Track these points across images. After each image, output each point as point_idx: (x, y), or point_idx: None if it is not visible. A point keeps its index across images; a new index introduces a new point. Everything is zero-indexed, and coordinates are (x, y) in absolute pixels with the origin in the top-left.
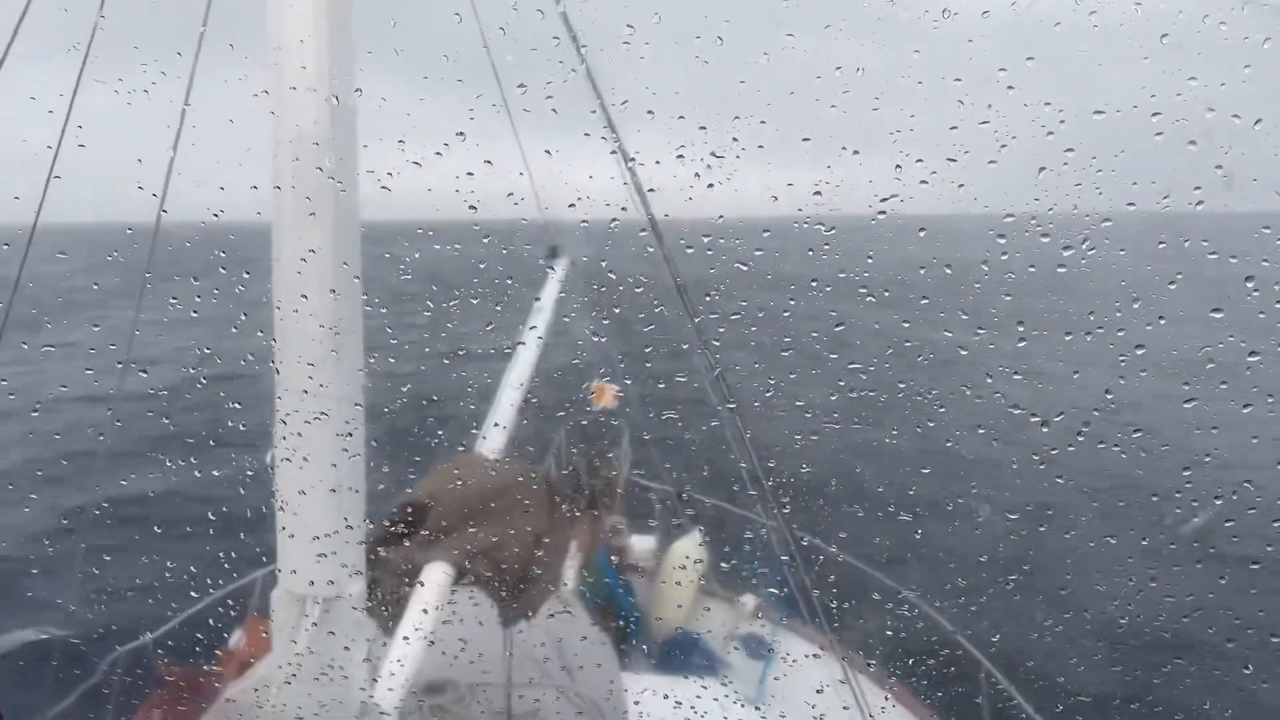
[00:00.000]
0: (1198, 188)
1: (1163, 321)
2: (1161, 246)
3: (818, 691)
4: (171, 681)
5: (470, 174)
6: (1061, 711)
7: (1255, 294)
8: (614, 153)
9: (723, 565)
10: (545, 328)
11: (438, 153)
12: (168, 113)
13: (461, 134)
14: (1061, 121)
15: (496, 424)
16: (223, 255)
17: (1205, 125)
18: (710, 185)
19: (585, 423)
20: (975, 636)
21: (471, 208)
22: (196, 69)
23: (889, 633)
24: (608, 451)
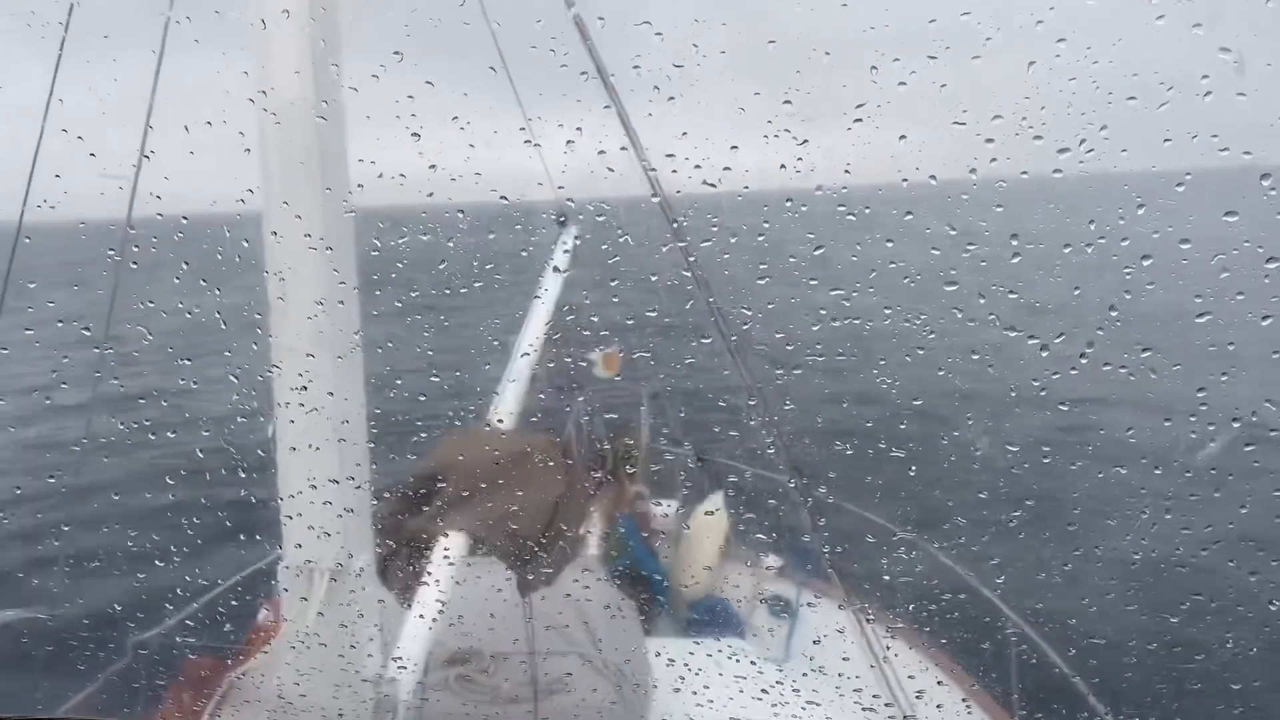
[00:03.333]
0: (1205, 76)
1: (1170, 229)
2: (1167, 144)
3: (841, 653)
4: (192, 671)
5: (411, 96)
6: (1074, 655)
7: (1272, 193)
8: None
9: (744, 527)
10: (554, 296)
11: (375, 75)
12: (139, 100)
13: (399, 53)
14: (1051, 9)
15: (508, 393)
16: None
17: (1212, 6)
18: (671, 99)
19: (603, 390)
20: (979, 578)
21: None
22: (175, 48)
23: (908, 583)
24: (627, 418)
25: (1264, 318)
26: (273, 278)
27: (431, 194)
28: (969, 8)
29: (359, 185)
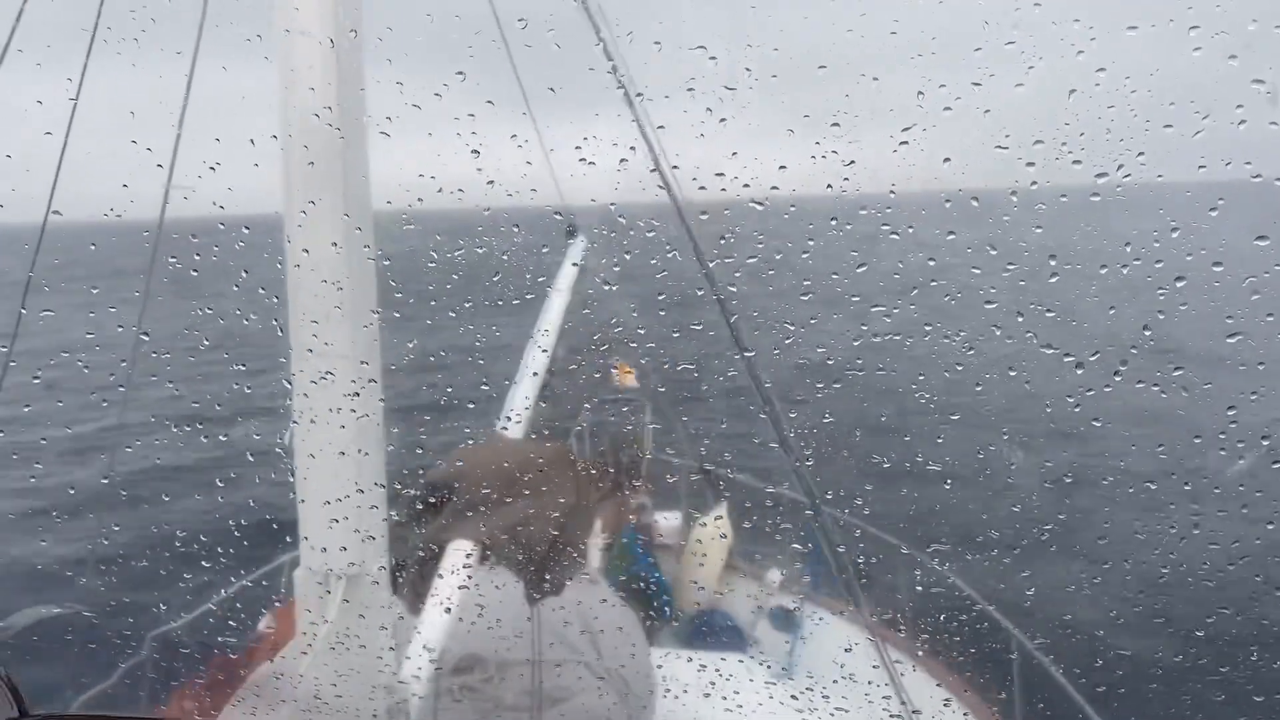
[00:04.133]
0: (1239, 106)
1: (1203, 251)
2: (1201, 170)
3: (846, 668)
4: (204, 668)
5: (472, 115)
6: (1101, 666)
7: None
8: (620, 88)
9: (749, 539)
10: (563, 306)
11: (437, 93)
12: (182, 97)
13: (461, 73)
14: (1092, 39)
15: (519, 402)
16: (246, 232)
17: (1246, 38)
18: (723, 120)
19: (608, 400)
20: (1009, 591)
21: (490, 181)
22: (203, 50)
23: (915, 600)
24: (631, 428)
25: None
26: (330, 286)
27: (489, 209)
28: (1013, 37)
29: (419, 199)
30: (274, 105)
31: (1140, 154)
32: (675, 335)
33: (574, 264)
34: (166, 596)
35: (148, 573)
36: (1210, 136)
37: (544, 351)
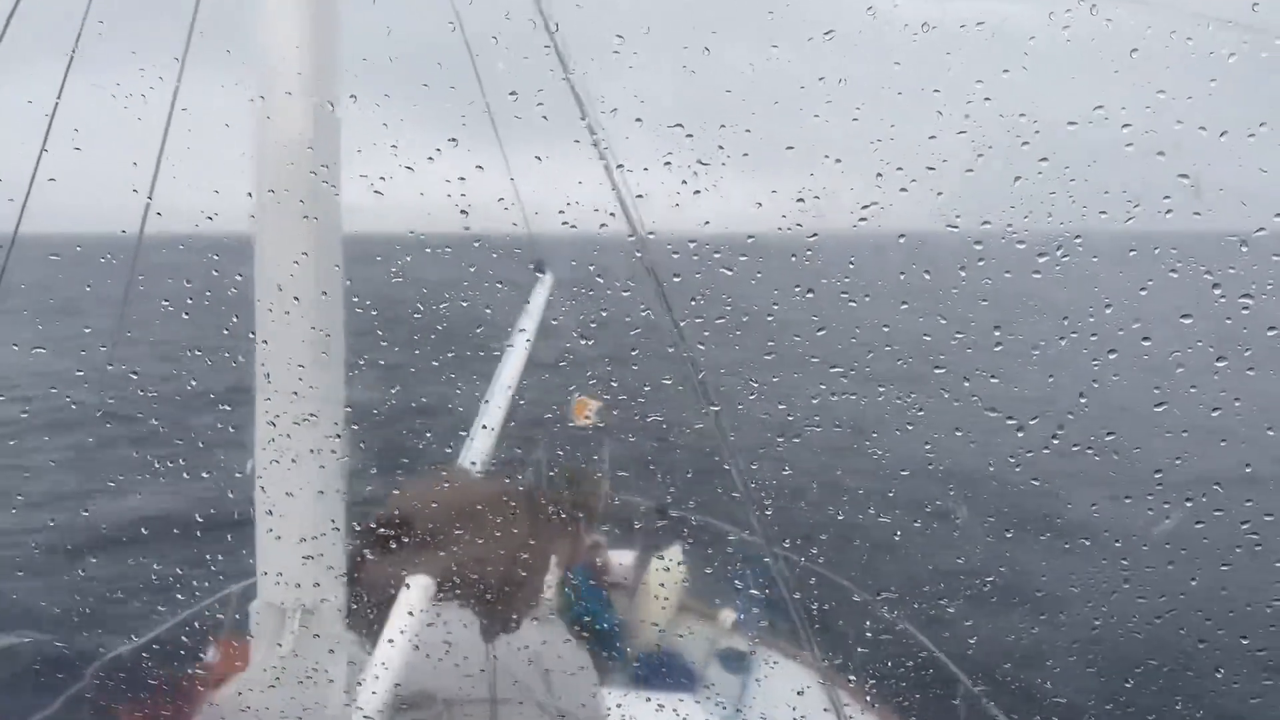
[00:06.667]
0: (1166, 197)
1: (1135, 326)
2: (1132, 254)
3: (798, 710)
4: (148, 698)
5: (463, 179)
6: (1037, 713)
7: (1221, 300)
8: (602, 160)
9: (703, 580)
10: (528, 341)
11: (430, 157)
12: (161, 119)
13: (454, 140)
14: (1036, 132)
15: (478, 437)
16: (215, 259)
17: (1173, 137)
18: (697, 192)
19: (566, 437)
20: (952, 639)
21: (463, 212)
22: (185, 75)
23: (865, 645)
24: (588, 465)
25: (1213, 409)
26: (271, 301)
27: (478, 241)
28: (965, 127)
29: (410, 231)
30: (247, 129)
31: (1078, 237)
32: (647, 389)
33: (538, 298)
34: (137, 627)
35: (116, 604)
36: (1140, 225)
37: (507, 389)
